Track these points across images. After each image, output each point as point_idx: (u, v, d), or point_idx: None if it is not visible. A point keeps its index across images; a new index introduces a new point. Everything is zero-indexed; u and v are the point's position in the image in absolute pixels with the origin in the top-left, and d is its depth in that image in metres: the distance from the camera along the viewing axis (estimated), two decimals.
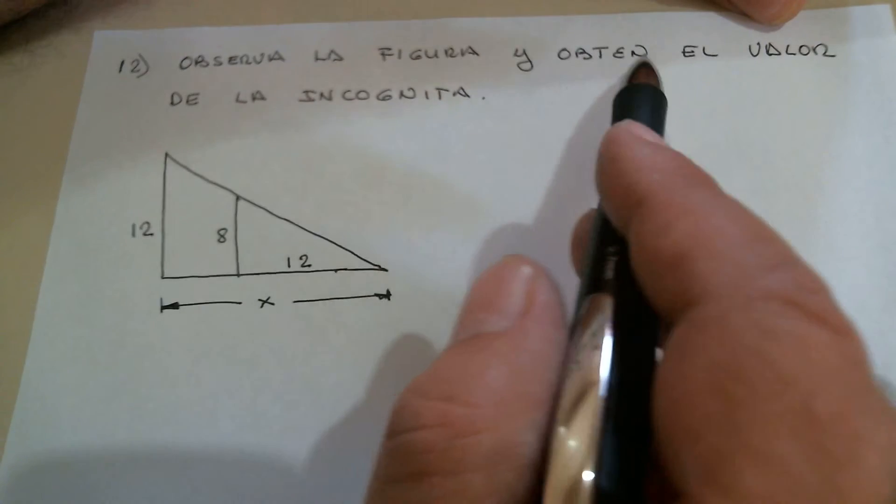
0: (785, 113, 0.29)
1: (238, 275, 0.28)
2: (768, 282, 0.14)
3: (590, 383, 0.15)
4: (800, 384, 0.12)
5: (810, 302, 0.14)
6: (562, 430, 0.14)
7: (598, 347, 0.15)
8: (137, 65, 0.31)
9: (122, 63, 0.31)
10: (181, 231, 0.28)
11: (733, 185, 0.28)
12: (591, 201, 0.28)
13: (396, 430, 0.15)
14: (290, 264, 0.28)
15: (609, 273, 0.17)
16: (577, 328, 0.16)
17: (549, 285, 0.17)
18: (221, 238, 0.28)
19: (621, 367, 0.15)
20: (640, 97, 0.24)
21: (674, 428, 0.14)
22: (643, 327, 0.17)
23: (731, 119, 0.29)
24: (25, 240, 0.28)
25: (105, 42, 0.32)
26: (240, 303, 0.27)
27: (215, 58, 0.31)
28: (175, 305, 0.27)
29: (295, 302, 0.27)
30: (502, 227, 0.28)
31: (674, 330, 0.15)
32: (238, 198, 0.29)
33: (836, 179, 0.28)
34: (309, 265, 0.28)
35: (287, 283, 0.27)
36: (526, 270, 0.17)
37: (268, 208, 0.28)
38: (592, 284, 0.17)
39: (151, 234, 0.28)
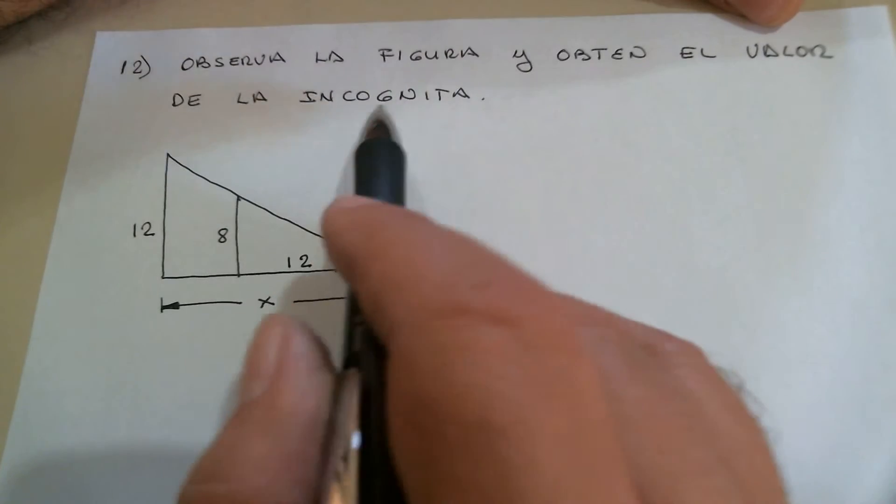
0: (782, 114, 0.29)
1: (238, 275, 0.28)
2: (444, 297, 0.14)
3: (348, 451, 0.15)
4: (473, 397, 0.12)
5: (480, 300, 0.13)
6: (334, 484, 0.15)
7: (353, 420, 0.16)
8: (139, 66, 0.31)
9: (125, 64, 0.31)
10: (182, 231, 0.28)
11: (731, 185, 0.28)
12: (589, 201, 0.28)
13: None
14: (291, 264, 0.28)
15: (357, 344, 0.18)
16: (336, 405, 0.17)
17: (301, 337, 0.18)
18: (222, 238, 0.28)
19: (369, 432, 0.15)
20: (376, 152, 0.24)
21: (398, 469, 0.13)
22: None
23: (729, 120, 0.29)
24: (27, 239, 0.29)
25: (107, 43, 0.32)
26: (240, 303, 0.27)
27: (217, 59, 0.31)
28: (175, 305, 0.27)
29: (295, 302, 0.27)
30: (501, 226, 0.28)
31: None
32: (239, 198, 0.29)
33: (833, 180, 0.28)
34: (309, 265, 0.28)
35: (288, 283, 0.27)
36: (277, 330, 0.18)
37: (268, 209, 0.29)
38: (346, 358, 0.18)
39: (152, 234, 0.29)
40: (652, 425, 0.14)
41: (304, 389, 0.17)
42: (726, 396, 0.17)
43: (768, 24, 0.30)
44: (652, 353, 0.17)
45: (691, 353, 0.17)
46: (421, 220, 0.17)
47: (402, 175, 0.24)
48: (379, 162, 0.24)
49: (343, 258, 0.17)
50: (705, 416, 0.16)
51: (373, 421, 0.15)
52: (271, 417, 0.16)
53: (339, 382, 0.17)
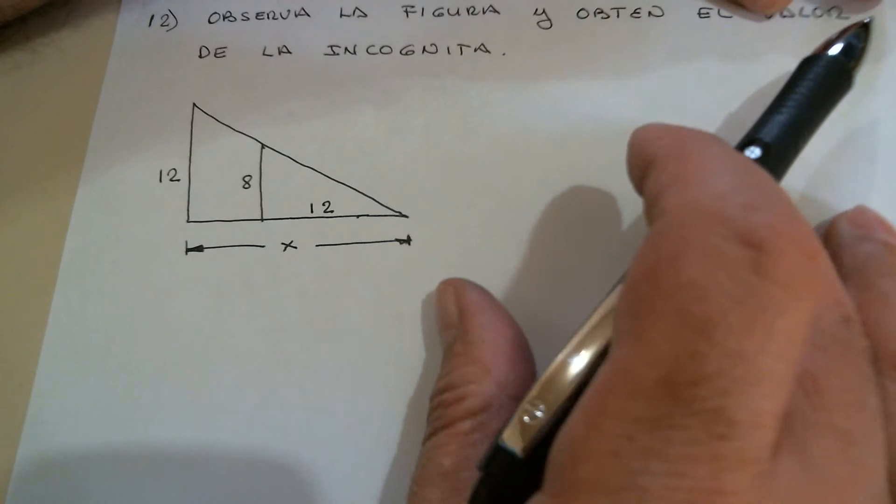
0: None
1: (262, 219, 0.28)
2: (715, 203, 0.15)
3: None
4: (690, 291, 0.14)
5: (741, 218, 0.15)
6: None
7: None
8: (167, 19, 0.32)
9: (152, 17, 0.32)
10: (207, 177, 0.29)
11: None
12: (605, 156, 0.28)
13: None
14: (313, 210, 0.28)
15: None
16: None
17: (470, 288, 0.25)
18: (246, 184, 0.29)
19: None
20: (814, 68, 0.24)
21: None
22: None
23: (746, 78, 0.30)
24: (54, 187, 0.29)
25: None
26: (263, 246, 0.28)
27: (243, 13, 0.32)
28: (200, 248, 0.28)
29: (317, 246, 0.28)
30: (519, 176, 0.28)
31: None
32: (263, 146, 0.29)
33: (848, 135, 0.29)
34: (331, 211, 0.28)
35: (310, 227, 0.28)
36: (449, 289, 0.25)
37: (292, 156, 0.29)
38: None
39: (178, 180, 0.29)
40: (837, 426, 0.15)
41: (484, 322, 0.23)
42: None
43: (765, 12, 0.31)
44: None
45: None
46: (720, 143, 0.19)
47: (830, 104, 0.24)
48: (806, 77, 0.23)
49: (645, 157, 0.20)
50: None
51: None
52: (467, 347, 0.22)
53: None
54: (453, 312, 0.24)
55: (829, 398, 0.15)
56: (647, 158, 0.19)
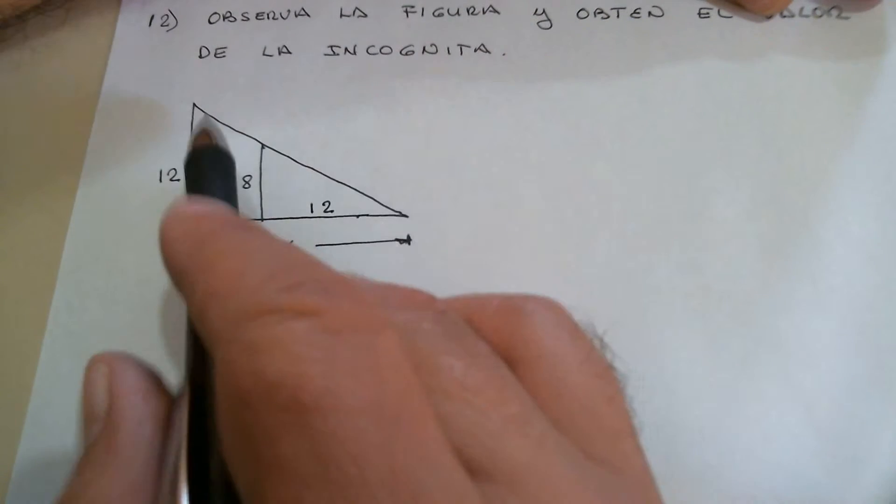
0: (798, 73, 0.30)
1: (262, 219, 0.28)
2: (256, 300, 0.14)
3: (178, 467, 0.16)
4: (284, 383, 0.13)
5: (286, 300, 0.14)
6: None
7: (184, 434, 0.17)
8: (167, 19, 0.32)
9: (152, 17, 0.32)
10: None
11: (747, 140, 0.29)
12: (606, 155, 0.28)
13: None
14: (313, 210, 0.28)
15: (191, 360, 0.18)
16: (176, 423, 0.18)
17: (127, 368, 0.19)
18: (246, 184, 0.29)
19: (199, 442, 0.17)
20: (205, 161, 0.24)
21: (233, 476, 0.14)
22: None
23: (746, 78, 0.30)
24: (54, 188, 0.29)
25: None
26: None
27: (243, 13, 0.32)
28: None
29: (317, 246, 0.28)
30: (518, 176, 0.28)
31: None
32: (263, 146, 0.29)
33: (849, 134, 0.29)
34: (331, 211, 0.28)
35: (310, 227, 0.28)
36: (101, 368, 0.18)
37: (292, 156, 0.29)
38: (186, 374, 0.19)
39: (178, 180, 0.29)
40: (467, 390, 0.15)
41: (139, 418, 0.18)
42: (580, 349, 0.18)
43: (763, 13, 0.31)
44: (473, 323, 0.18)
45: (550, 308, 0.18)
46: (247, 229, 0.18)
47: (233, 181, 0.25)
48: (209, 170, 0.24)
49: (176, 271, 0.18)
50: (539, 372, 0.17)
51: (204, 430, 0.16)
52: (111, 455, 0.17)
53: (179, 400, 0.18)
54: (101, 402, 0.18)
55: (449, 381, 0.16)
56: (179, 272, 0.18)
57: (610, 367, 0.18)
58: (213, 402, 0.15)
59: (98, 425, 0.18)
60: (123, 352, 0.19)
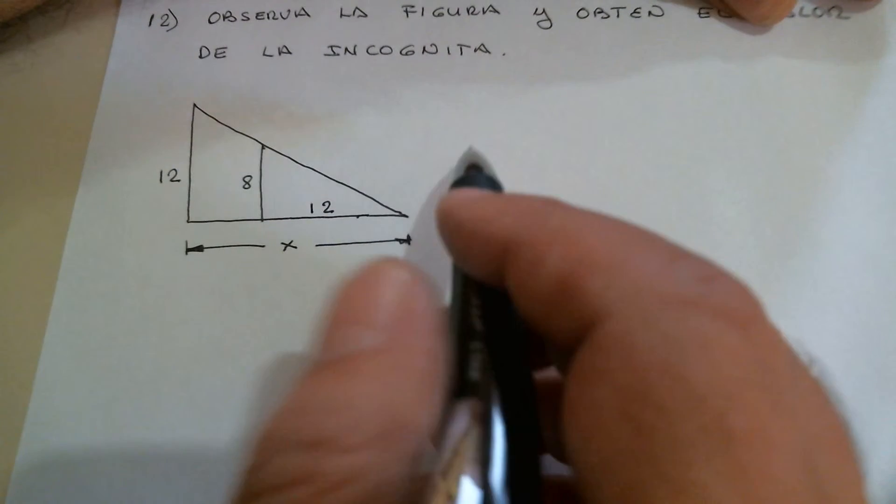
0: (798, 72, 0.30)
1: (262, 219, 0.28)
2: (663, 284, 0.13)
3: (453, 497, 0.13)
4: (712, 399, 0.12)
5: (710, 295, 0.13)
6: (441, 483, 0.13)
7: (467, 463, 0.14)
8: (167, 19, 0.32)
9: (152, 17, 0.32)
10: (207, 177, 0.29)
11: (747, 139, 0.29)
12: (605, 154, 0.28)
13: (256, 490, 0.13)
14: (313, 210, 0.28)
15: (474, 373, 0.16)
16: (444, 439, 0.14)
17: (427, 290, 0.15)
18: (246, 185, 0.29)
19: (488, 478, 0.14)
20: (474, 184, 0.23)
21: (587, 463, 0.13)
22: (519, 432, 0.15)
23: (746, 78, 0.30)
24: (54, 187, 0.29)
25: None
26: (263, 246, 0.28)
27: (243, 13, 0.32)
28: (200, 248, 0.28)
29: (317, 246, 0.28)
30: (519, 172, 0.28)
31: (576, 356, 0.14)
32: (263, 146, 0.29)
33: (848, 134, 0.29)
34: (331, 211, 0.28)
35: (310, 227, 0.28)
36: (400, 275, 0.15)
37: (292, 156, 0.29)
38: (458, 386, 0.16)
39: (178, 181, 0.29)
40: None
41: (432, 352, 0.15)
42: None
43: (760, 23, 0.30)
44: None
45: None
46: (577, 207, 0.16)
47: None
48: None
49: (486, 245, 0.16)
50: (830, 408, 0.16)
51: (501, 464, 0.14)
52: (394, 377, 0.14)
53: (449, 411, 0.15)
54: (390, 312, 0.15)
55: None
56: (497, 243, 0.16)
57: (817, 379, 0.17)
58: (518, 430, 0.13)
59: (373, 336, 0.14)
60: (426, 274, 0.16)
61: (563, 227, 0.15)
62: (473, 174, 0.24)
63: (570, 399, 0.13)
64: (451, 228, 0.17)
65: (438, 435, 0.14)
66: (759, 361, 0.12)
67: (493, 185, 0.23)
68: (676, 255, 0.14)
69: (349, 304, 0.15)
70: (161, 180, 0.29)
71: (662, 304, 0.13)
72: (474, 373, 0.16)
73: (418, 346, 0.14)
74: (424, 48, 0.31)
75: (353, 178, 0.29)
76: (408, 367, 0.14)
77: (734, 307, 0.13)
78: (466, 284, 0.18)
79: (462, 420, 0.14)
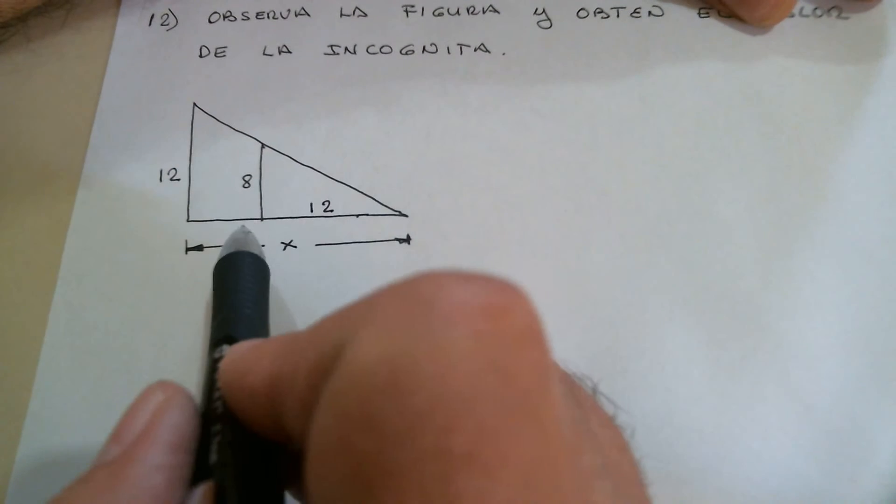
0: (798, 73, 0.30)
1: (262, 219, 0.28)
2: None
3: None
4: (436, 416, 0.10)
5: (438, 298, 0.12)
6: None
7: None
8: (167, 18, 0.32)
9: (152, 17, 0.32)
10: (207, 177, 0.29)
11: (746, 140, 0.29)
12: (605, 154, 0.28)
13: None
14: (313, 209, 0.28)
15: (214, 456, 0.17)
16: None
17: (181, 409, 0.17)
18: (246, 184, 0.29)
19: None
20: (242, 265, 0.24)
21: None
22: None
23: (745, 78, 0.30)
24: (55, 189, 0.29)
25: None
26: (263, 245, 0.28)
27: (243, 13, 0.32)
28: (200, 248, 0.28)
29: (317, 245, 0.28)
30: (519, 175, 0.28)
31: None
32: (263, 146, 0.29)
33: (848, 134, 0.29)
34: (331, 210, 0.28)
35: (309, 227, 0.28)
36: (157, 396, 0.17)
37: (292, 156, 0.29)
38: (199, 471, 0.17)
39: (178, 180, 0.29)
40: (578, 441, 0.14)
41: (161, 463, 0.16)
42: (594, 403, 0.17)
43: (760, 24, 0.30)
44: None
45: None
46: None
47: (266, 288, 0.25)
48: (241, 274, 0.24)
49: (261, 389, 0.16)
50: (591, 425, 0.16)
51: None
52: (115, 484, 0.15)
53: (198, 497, 0.16)
54: (136, 428, 0.17)
55: None
56: (267, 387, 0.16)
57: (614, 417, 0.17)
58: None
59: (118, 449, 0.16)
60: (188, 393, 0.18)
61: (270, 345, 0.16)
62: (237, 253, 0.25)
63: (304, 446, 0.13)
64: (232, 388, 0.17)
65: None
66: (497, 370, 0.11)
67: (257, 262, 0.25)
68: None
69: (120, 423, 0.17)
70: (161, 180, 0.29)
71: (386, 323, 0.12)
72: (214, 455, 0.17)
73: (144, 459, 0.16)
74: (424, 48, 0.31)
75: (353, 178, 0.29)
76: (127, 478, 0.16)
77: (473, 305, 0.12)
78: (213, 370, 0.19)
79: (194, 500, 0.16)
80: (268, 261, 0.28)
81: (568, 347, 0.26)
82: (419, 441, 0.10)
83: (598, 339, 0.26)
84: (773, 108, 0.29)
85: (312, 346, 0.14)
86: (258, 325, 0.23)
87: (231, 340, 0.21)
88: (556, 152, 0.29)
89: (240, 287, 0.24)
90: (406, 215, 0.28)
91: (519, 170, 0.28)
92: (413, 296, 0.12)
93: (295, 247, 0.28)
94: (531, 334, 0.12)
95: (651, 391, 0.25)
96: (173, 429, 0.17)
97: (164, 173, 0.29)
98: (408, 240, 0.28)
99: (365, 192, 0.28)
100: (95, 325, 0.27)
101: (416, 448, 0.10)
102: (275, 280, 0.27)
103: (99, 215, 0.28)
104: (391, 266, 0.27)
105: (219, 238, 0.28)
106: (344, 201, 0.28)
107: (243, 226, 0.27)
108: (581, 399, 0.16)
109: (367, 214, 0.28)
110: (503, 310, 0.12)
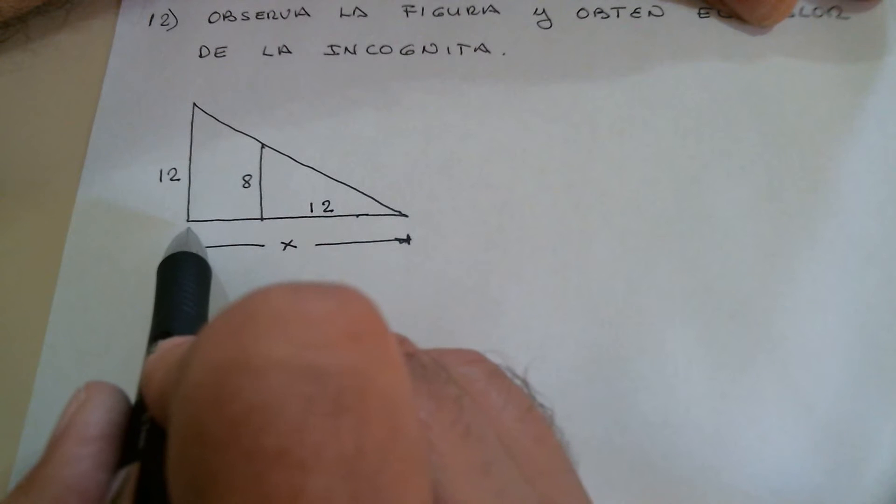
0: (797, 73, 0.30)
1: (262, 219, 0.28)
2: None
3: None
4: (250, 420, 0.11)
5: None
6: None
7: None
8: (167, 18, 0.32)
9: (152, 17, 0.32)
10: (207, 177, 0.29)
11: (746, 139, 0.29)
12: (606, 153, 0.28)
13: None
14: (313, 209, 0.28)
15: (142, 442, 0.18)
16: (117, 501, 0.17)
17: (101, 405, 0.18)
18: (246, 184, 0.29)
19: None
20: (184, 264, 0.25)
21: None
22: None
23: (745, 77, 0.30)
24: (54, 190, 0.29)
25: None
26: (263, 245, 0.28)
27: (243, 13, 0.32)
28: None
29: (317, 245, 0.28)
30: (519, 175, 0.28)
31: None
32: (263, 146, 0.29)
33: (847, 134, 0.29)
34: (331, 210, 0.28)
35: (309, 227, 0.28)
36: (79, 398, 0.19)
37: (292, 156, 0.29)
38: (127, 455, 0.18)
39: (178, 180, 0.29)
40: (435, 435, 0.14)
41: (71, 456, 0.17)
42: (510, 396, 0.17)
43: (760, 24, 0.30)
44: (442, 367, 0.17)
45: (472, 360, 0.18)
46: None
47: (207, 286, 0.25)
48: (183, 273, 0.25)
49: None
50: (482, 419, 0.16)
51: None
52: (27, 488, 0.17)
53: (123, 480, 0.17)
54: (59, 428, 0.18)
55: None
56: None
57: (532, 408, 0.17)
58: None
59: (46, 446, 0.18)
60: (115, 388, 0.19)
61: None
62: (179, 253, 0.25)
63: None
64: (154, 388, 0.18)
65: None
66: (309, 372, 0.11)
67: (199, 262, 0.25)
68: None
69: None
70: (161, 179, 0.29)
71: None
72: (142, 441, 0.18)
73: (60, 455, 0.17)
74: (424, 48, 0.31)
75: (352, 178, 0.29)
76: (43, 476, 0.17)
77: (292, 313, 0.12)
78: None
79: (118, 481, 0.17)
80: (268, 260, 0.28)
81: (568, 347, 0.26)
82: (235, 445, 0.11)
83: (598, 339, 0.26)
84: (773, 108, 0.29)
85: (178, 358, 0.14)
86: (198, 322, 0.23)
87: (168, 336, 0.21)
88: (556, 152, 0.29)
89: (181, 286, 0.24)
90: (406, 215, 0.28)
91: (519, 170, 0.28)
92: (242, 309, 0.12)
93: (295, 247, 0.28)
94: (353, 335, 0.12)
95: (651, 391, 0.25)
96: (91, 424, 0.18)
97: (164, 173, 0.29)
98: (408, 240, 0.28)
99: (365, 192, 0.28)
100: (95, 325, 0.27)
101: (233, 452, 0.11)
102: (275, 280, 0.27)
103: (99, 216, 0.28)
104: (391, 266, 0.27)
105: (219, 238, 0.28)
106: (344, 201, 0.28)
107: (189, 228, 0.28)
108: (475, 395, 0.17)
109: (367, 214, 0.28)
110: (324, 315, 0.12)
